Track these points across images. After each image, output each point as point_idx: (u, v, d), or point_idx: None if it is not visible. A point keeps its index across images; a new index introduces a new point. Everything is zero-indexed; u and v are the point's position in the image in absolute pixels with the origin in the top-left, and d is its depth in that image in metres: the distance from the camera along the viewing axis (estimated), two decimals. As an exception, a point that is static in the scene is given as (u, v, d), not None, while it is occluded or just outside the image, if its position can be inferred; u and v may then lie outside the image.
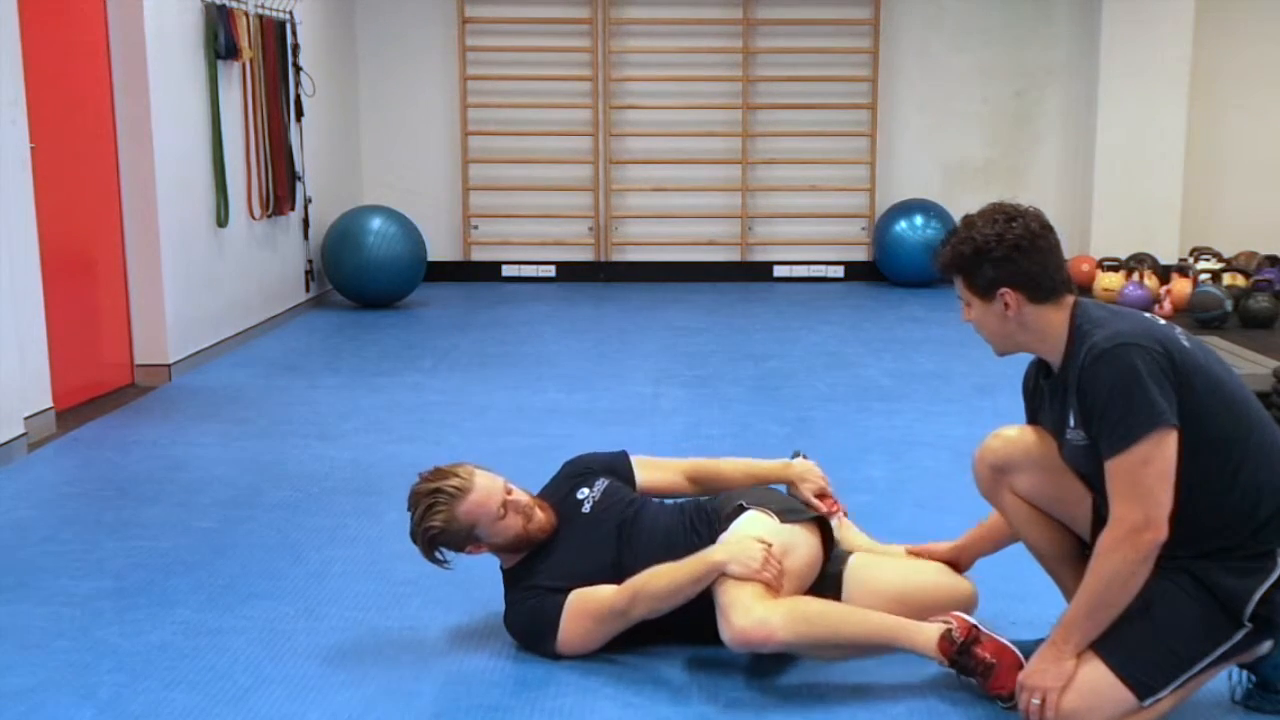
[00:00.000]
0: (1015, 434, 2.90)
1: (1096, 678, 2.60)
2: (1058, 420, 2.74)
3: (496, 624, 3.25)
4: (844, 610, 2.95)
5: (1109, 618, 2.59)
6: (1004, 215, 2.68)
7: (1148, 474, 2.50)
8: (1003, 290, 2.66)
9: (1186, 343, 2.62)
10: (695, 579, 2.94)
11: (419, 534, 3.09)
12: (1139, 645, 2.60)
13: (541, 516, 3.15)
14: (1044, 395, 2.79)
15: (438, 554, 3.12)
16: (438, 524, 3.06)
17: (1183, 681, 2.61)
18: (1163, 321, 2.68)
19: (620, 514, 3.20)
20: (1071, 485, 2.80)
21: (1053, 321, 2.67)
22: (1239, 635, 2.60)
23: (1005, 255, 2.64)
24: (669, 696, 2.92)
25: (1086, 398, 2.58)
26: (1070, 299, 2.69)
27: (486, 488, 3.09)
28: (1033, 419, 2.90)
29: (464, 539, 3.09)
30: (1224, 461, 2.57)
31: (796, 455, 3.48)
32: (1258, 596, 2.57)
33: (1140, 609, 2.61)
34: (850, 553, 3.23)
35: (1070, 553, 2.87)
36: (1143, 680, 2.59)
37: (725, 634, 2.86)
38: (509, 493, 3.11)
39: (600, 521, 3.18)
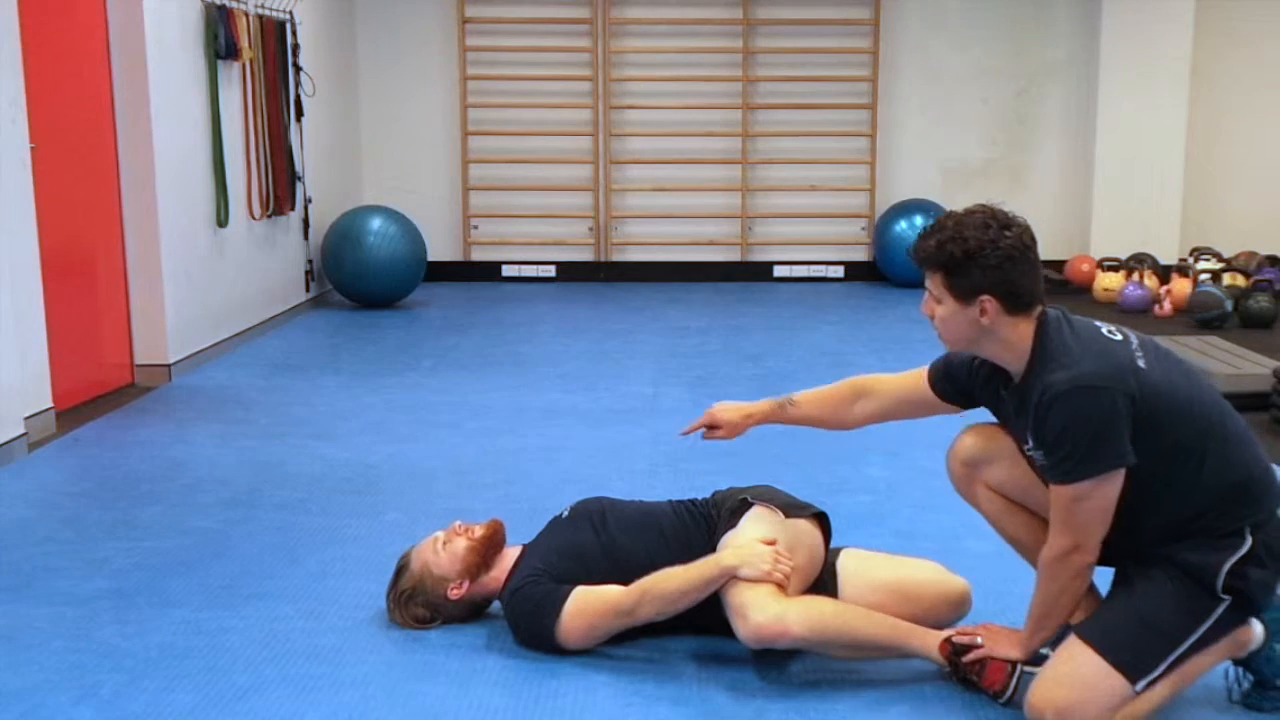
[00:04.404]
0: (984, 429, 2.99)
1: (1087, 668, 2.63)
2: (1017, 432, 2.78)
3: (496, 624, 3.26)
4: (856, 611, 2.97)
5: (1063, 618, 2.74)
6: (998, 222, 2.64)
7: (1084, 509, 2.60)
8: (984, 298, 2.63)
9: (1143, 363, 2.62)
10: (706, 582, 2.97)
11: (396, 605, 3.28)
12: (1124, 629, 2.64)
13: (483, 527, 3.29)
14: (1005, 403, 2.81)
15: (419, 611, 3.25)
16: (406, 585, 3.26)
17: (1172, 662, 2.64)
18: (1119, 338, 2.67)
19: (597, 506, 3.32)
20: (1039, 477, 2.84)
21: (1021, 334, 2.67)
22: (1219, 609, 2.64)
23: (997, 264, 2.61)
24: (670, 695, 2.92)
25: (1042, 429, 2.61)
26: (1039, 309, 2.69)
27: (423, 542, 3.31)
28: (966, 397, 2.95)
29: (433, 584, 3.24)
30: (1187, 462, 2.62)
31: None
32: (1227, 568, 2.62)
33: (1122, 595, 2.71)
34: (838, 549, 3.26)
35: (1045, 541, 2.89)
36: (1132, 663, 2.62)
37: (740, 631, 2.90)
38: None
39: (576, 517, 3.30)
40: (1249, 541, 2.63)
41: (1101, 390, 2.55)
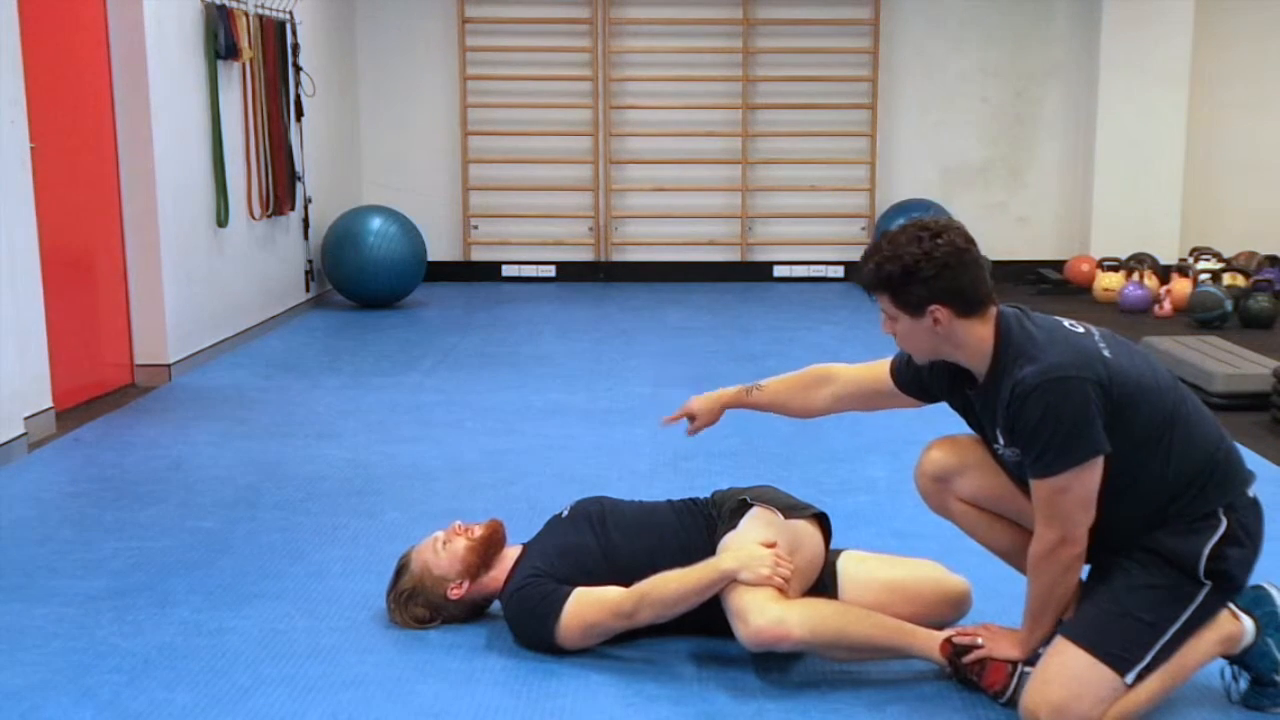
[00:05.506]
0: (950, 442, 3.00)
1: (1075, 664, 2.64)
2: (987, 432, 2.80)
3: (496, 624, 3.27)
4: (856, 612, 2.97)
5: (1057, 613, 2.74)
6: (929, 232, 2.66)
7: (1067, 500, 2.61)
8: (933, 307, 2.65)
9: (1109, 352, 2.65)
10: (705, 586, 2.97)
11: (396, 605, 3.28)
12: (1106, 622, 2.66)
13: (483, 527, 3.29)
14: (971, 404, 2.82)
15: (419, 611, 3.25)
16: (406, 586, 3.26)
17: (1159, 650, 2.65)
18: (1081, 330, 2.71)
19: (597, 506, 3.33)
20: (1012, 480, 2.86)
21: (979, 335, 2.69)
22: (1201, 594, 2.67)
23: (936, 273, 2.63)
24: (670, 695, 2.92)
25: (1016, 424, 2.63)
26: (994, 310, 2.71)
27: (423, 542, 3.30)
28: (925, 391, 2.97)
29: (433, 584, 3.24)
30: (1156, 447, 2.65)
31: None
32: (1207, 552, 2.65)
33: (1102, 589, 2.72)
34: (839, 550, 3.26)
35: (1027, 546, 2.89)
36: (1118, 654, 2.63)
37: (741, 634, 2.90)
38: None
39: (576, 517, 3.30)
40: (1224, 522, 2.65)
41: (1073, 380, 2.57)
